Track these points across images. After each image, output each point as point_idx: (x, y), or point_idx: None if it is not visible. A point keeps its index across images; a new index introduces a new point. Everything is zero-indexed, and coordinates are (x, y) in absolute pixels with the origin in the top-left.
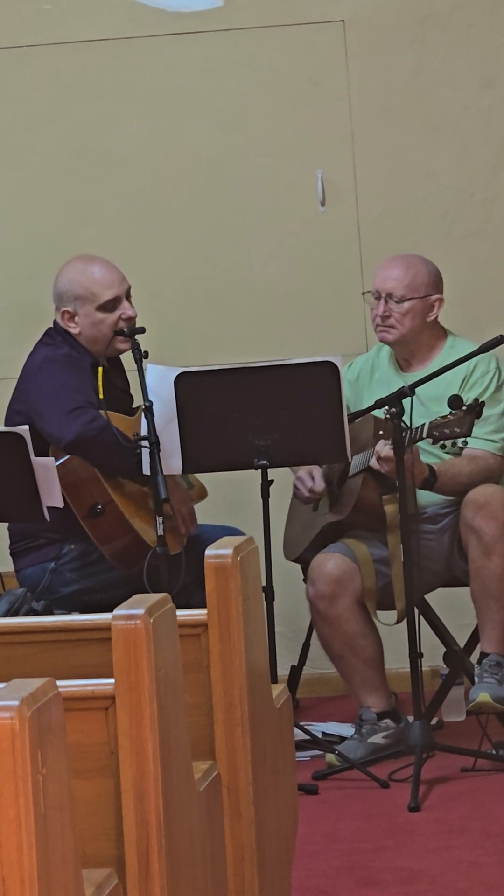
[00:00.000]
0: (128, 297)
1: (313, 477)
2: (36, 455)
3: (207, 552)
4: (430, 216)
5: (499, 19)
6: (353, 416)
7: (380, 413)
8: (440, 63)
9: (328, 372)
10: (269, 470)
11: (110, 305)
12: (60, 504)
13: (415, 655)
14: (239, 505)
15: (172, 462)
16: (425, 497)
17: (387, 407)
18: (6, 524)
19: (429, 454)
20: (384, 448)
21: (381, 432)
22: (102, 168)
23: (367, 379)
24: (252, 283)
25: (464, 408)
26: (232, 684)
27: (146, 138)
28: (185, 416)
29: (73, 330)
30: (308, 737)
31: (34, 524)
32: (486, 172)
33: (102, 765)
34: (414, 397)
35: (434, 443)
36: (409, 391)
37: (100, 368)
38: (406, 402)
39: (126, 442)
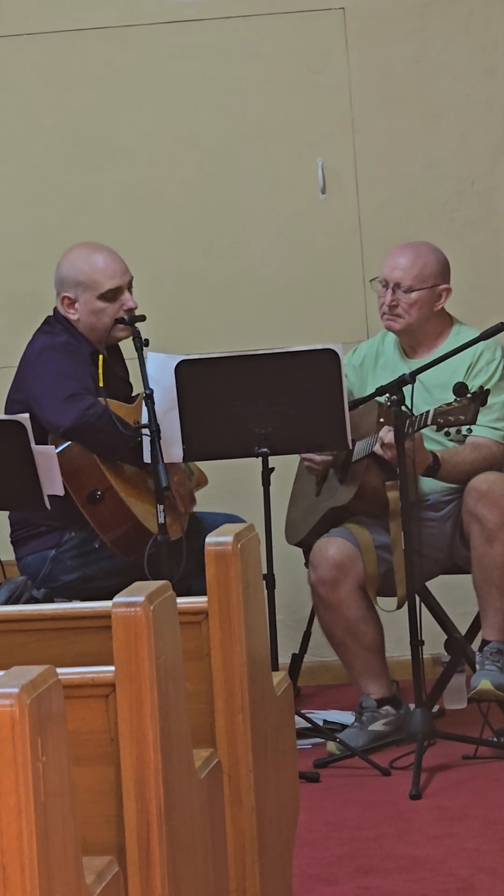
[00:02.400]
0: (129, 288)
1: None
2: (36, 443)
3: (208, 539)
4: (431, 205)
5: (499, 8)
6: (355, 403)
7: (383, 399)
8: (440, 52)
9: (329, 359)
10: (270, 457)
11: (111, 295)
12: (61, 492)
13: (416, 643)
14: (239, 492)
15: (173, 450)
16: (428, 484)
17: (388, 394)
18: (7, 512)
19: (433, 441)
20: (388, 434)
21: (381, 419)
22: (102, 157)
23: (371, 364)
24: (252, 272)
25: (469, 396)
26: (232, 672)
27: (146, 127)
28: (185, 403)
29: (73, 316)
30: (309, 725)
31: (35, 513)
32: (486, 161)
33: (103, 752)
34: (420, 384)
35: (438, 430)
36: (410, 379)
37: (100, 357)
38: (406, 389)
39: (125, 428)
